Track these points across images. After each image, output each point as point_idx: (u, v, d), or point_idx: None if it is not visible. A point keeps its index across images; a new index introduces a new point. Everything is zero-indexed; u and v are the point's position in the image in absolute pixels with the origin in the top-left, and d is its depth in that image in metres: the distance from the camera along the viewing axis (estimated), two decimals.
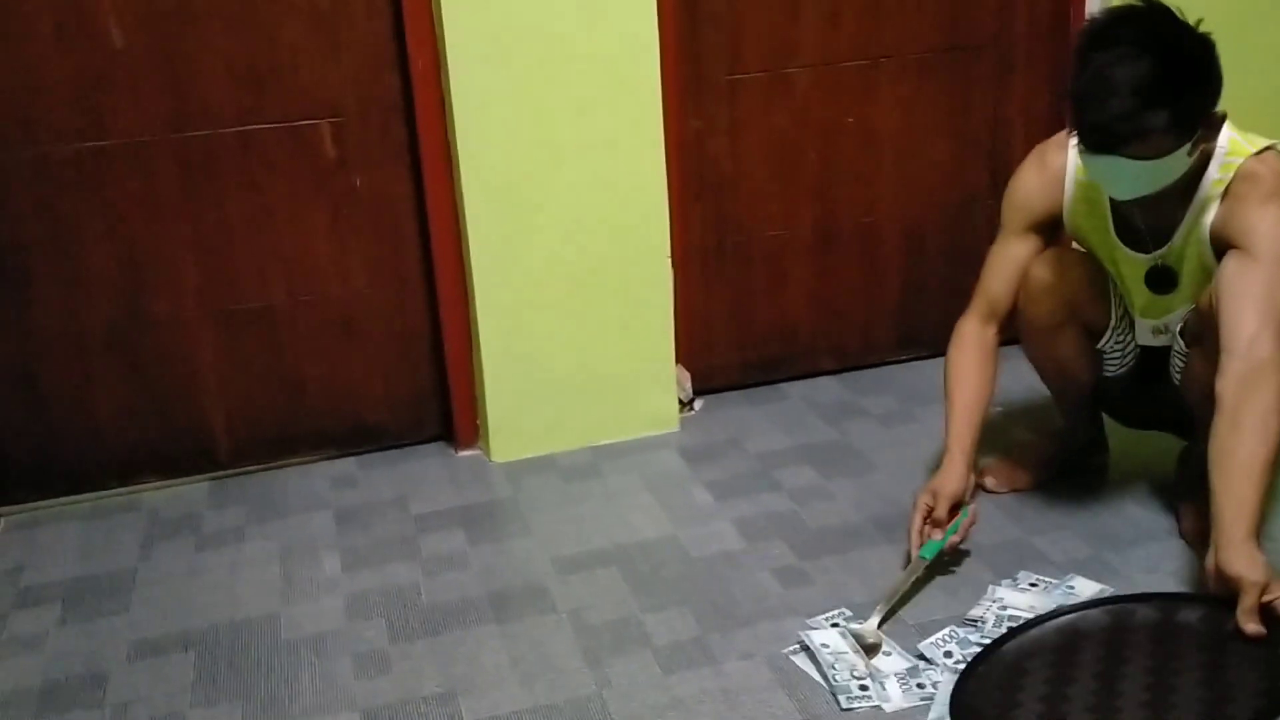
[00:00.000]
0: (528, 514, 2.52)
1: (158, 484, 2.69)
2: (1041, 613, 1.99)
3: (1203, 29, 1.91)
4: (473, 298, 2.62)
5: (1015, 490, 2.46)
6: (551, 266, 2.62)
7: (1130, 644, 1.83)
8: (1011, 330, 2.33)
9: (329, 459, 2.78)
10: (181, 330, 2.61)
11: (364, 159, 2.60)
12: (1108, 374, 2.34)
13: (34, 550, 2.48)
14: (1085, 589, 2.11)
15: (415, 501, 2.59)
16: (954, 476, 2.18)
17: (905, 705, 1.86)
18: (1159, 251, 2.13)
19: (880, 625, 2.02)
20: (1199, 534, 2.10)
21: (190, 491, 2.68)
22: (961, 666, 1.88)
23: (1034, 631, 1.91)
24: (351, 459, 2.79)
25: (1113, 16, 1.94)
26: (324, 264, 2.65)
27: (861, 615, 2.06)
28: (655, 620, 2.12)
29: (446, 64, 2.45)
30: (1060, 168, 2.20)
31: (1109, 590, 2.10)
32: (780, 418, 2.88)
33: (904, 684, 1.90)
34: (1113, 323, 2.26)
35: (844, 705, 1.86)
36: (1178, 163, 1.93)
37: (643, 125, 2.58)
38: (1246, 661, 1.70)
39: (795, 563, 2.27)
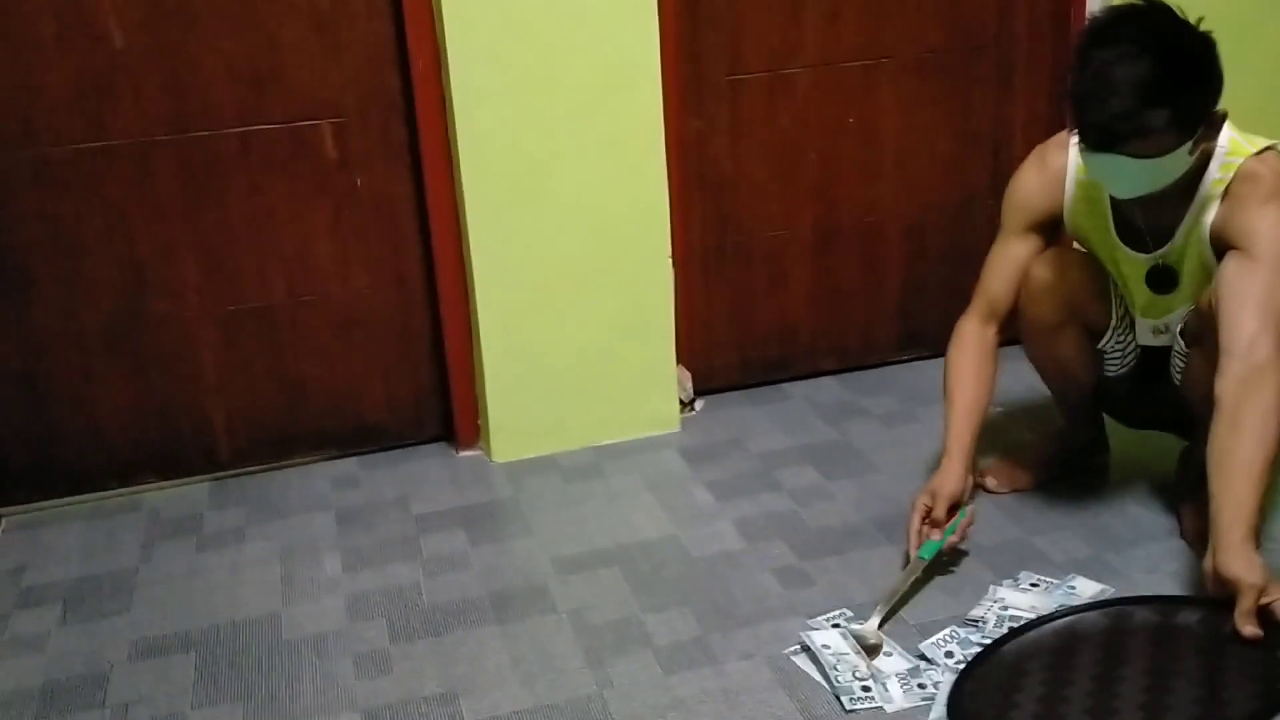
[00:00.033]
0: (529, 514, 2.52)
1: (159, 484, 2.69)
2: (1042, 613, 1.99)
3: (1203, 28, 1.91)
4: (473, 297, 2.62)
5: (1016, 490, 2.46)
6: (552, 266, 2.62)
7: (1128, 646, 1.83)
8: (1012, 330, 2.33)
9: (330, 459, 2.78)
10: (182, 330, 2.61)
11: (365, 159, 2.60)
12: (1108, 374, 2.34)
13: (35, 550, 2.48)
14: (1086, 589, 2.11)
15: (416, 502, 2.59)
16: (952, 477, 2.18)
17: (907, 705, 1.86)
18: (1160, 251, 2.13)
19: (880, 626, 2.02)
20: (1200, 534, 2.09)
21: (191, 492, 2.68)
22: (963, 667, 1.88)
23: (1032, 633, 1.91)
24: (352, 459, 2.79)
25: (1113, 15, 1.94)
26: (325, 264, 2.65)
27: (862, 615, 2.06)
28: (656, 620, 2.12)
29: (447, 64, 2.45)
30: (1061, 167, 2.20)
31: (1110, 590, 2.10)
32: (781, 418, 2.88)
33: (905, 684, 1.90)
34: (1113, 323, 2.26)
35: (847, 707, 1.86)
36: (1178, 161, 1.93)
37: (643, 125, 2.58)
38: (1243, 664, 1.71)
39: (796, 563, 2.28)
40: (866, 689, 1.88)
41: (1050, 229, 2.25)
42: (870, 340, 3.09)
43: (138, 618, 2.23)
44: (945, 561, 2.20)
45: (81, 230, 2.49)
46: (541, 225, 2.59)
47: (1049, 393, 2.48)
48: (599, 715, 1.90)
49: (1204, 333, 2.02)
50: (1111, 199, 2.14)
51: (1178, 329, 2.17)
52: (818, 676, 1.94)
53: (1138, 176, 1.94)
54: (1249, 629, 1.72)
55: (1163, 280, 2.15)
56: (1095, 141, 1.92)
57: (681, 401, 2.87)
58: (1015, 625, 1.96)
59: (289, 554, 2.41)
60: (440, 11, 2.42)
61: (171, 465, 2.69)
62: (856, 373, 3.08)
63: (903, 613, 2.08)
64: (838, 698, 1.88)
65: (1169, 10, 1.91)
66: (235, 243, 2.58)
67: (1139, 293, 2.20)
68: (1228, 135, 2.01)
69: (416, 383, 2.79)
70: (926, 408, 2.78)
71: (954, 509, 2.18)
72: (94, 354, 2.57)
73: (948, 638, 2.00)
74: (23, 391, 2.56)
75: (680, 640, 2.07)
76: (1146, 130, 1.87)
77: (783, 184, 2.90)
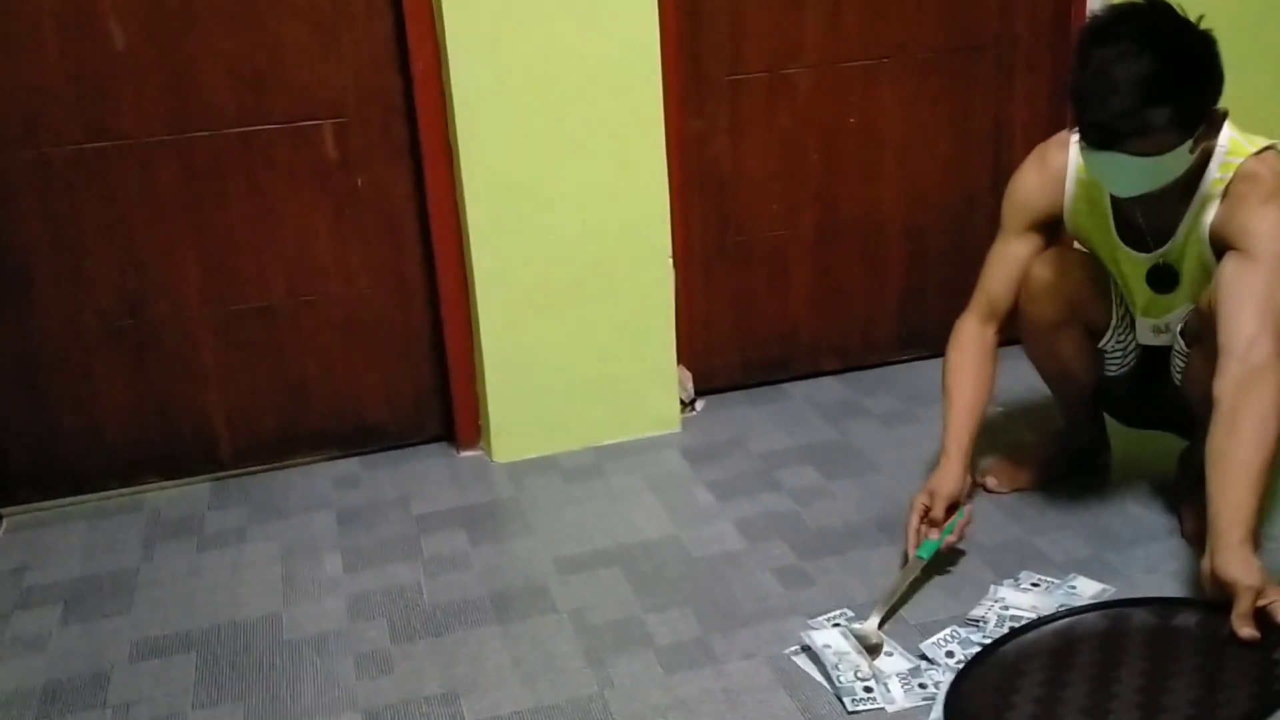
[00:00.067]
0: (529, 514, 2.52)
1: (159, 484, 2.70)
2: (1043, 613, 1.99)
3: (1204, 26, 1.91)
4: (474, 298, 2.62)
5: (1017, 490, 2.46)
6: (553, 266, 2.62)
7: (1127, 647, 1.83)
8: (1012, 330, 2.33)
9: (331, 459, 2.78)
10: (183, 330, 2.61)
11: (365, 159, 2.60)
12: (1109, 374, 2.34)
13: (36, 551, 2.48)
14: (1087, 589, 2.11)
15: (417, 502, 2.59)
16: (951, 476, 2.18)
17: (908, 705, 1.86)
18: (1160, 250, 2.13)
19: (880, 626, 2.02)
20: (1201, 534, 2.08)
21: (192, 492, 2.68)
22: (960, 667, 1.88)
23: (1031, 634, 1.90)
24: (353, 459, 2.79)
25: (1114, 13, 1.94)
26: (325, 264, 2.65)
27: (863, 616, 2.06)
28: (657, 620, 2.12)
29: (447, 64, 2.45)
30: (1061, 167, 2.20)
31: (1111, 590, 2.10)
32: (782, 418, 2.88)
33: (906, 684, 1.90)
34: (1114, 322, 2.26)
35: (850, 708, 1.86)
36: (1179, 160, 1.93)
37: (644, 125, 2.58)
38: (1240, 665, 1.70)
39: (796, 563, 2.28)
40: (869, 689, 1.88)
41: (1050, 228, 2.25)
42: (871, 340, 3.09)
43: (139, 618, 2.23)
44: (944, 561, 2.20)
45: (82, 230, 2.50)
46: (542, 225, 2.59)
47: (1049, 392, 2.48)
48: (600, 715, 1.90)
49: (1204, 332, 2.02)
50: (1112, 198, 2.14)
51: (1178, 328, 2.17)
52: (819, 677, 1.94)
53: (1138, 175, 1.94)
54: (1246, 630, 1.72)
55: (1163, 279, 2.15)
56: (1096, 140, 1.92)
57: (682, 401, 2.87)
58: (1015, 625, 1.96)
59: (290, 554, 2.41)
60: (441, 11, 2.42)
61: (172, 465, 2.69)
62: (857, 372, 3.08)
63: (903, 612, 2.09)
64: (839, 699, 1.88)
65: (1169, 9, 1.92)
66: (236, 243, 2.58)
67: (1139, 292, 2.20)
68: (1228, 134, 2.01)
69: (417, 382, 2.79)
70: (927, 408, 2.78)
71: (952, 508, 2.18)
72: (95, 354, 2.57)
73: (948, 637, 2.00)
74: (23, 391, 2.56)
75: (681, 640, 2.07)
76: (1147, 128, 1.87)
77: (783, 184, 2.90)
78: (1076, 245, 2.34)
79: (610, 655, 2.04)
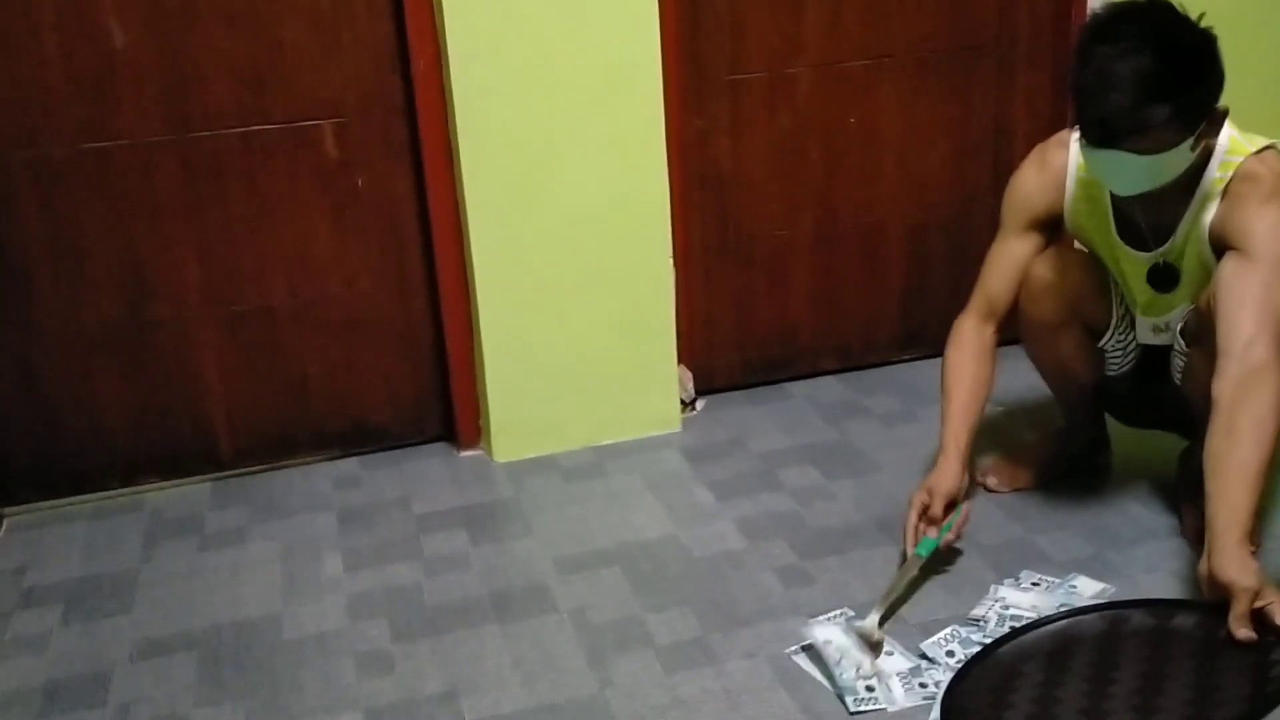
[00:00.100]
0: (530, 514, 2.52)
1: (160, 484, 2.70)
2: (1044, 612, 1.99)
3: (1204, 24, 1.91)
4: (474, 297, 2.62)
5: (1017, 490, 2.46)
6: (553, 266, 2.62)
7: (1124, 649, 1.83)
8: (1012, 330, 2.33)
9: (331, 459, 2.78)
10: (183, 330, 2.61)
11: (366, 159, 2.60)
12: (1109, 373, 2.34)
13: (37, 551, 2.48)
14: (1087, 588, 2.11)
15: (417, 501, 2.59)
16: (949, 474, 2.18)
17: (908, 705, 1.86)
18: (1160, 249, 2.13)
19: (881, 624, 2.02)
20: (1201, 534, 2.09)
21: (193, 492, 2.68)
22: (958, 668, 1.88)
23: (1029, 635, 1.90)
24: (354, 459, 2.79)
25: (1115, 11, 1.94)
26: (326, 264, 2.65)
27: (864, 615, 2.06)
28: (657, 620, 2.12)
29: (448, 64, 2.46)
30: (1061, 166, 2.20)
31: (1111, 589, 2.10)
32: (782, 417, 2.88)
33: (906, 684, 1.90)
34: (1114, 322, 2.26)
35: (852, 708, 1.86)
36: (1179, 158, 1.93)
37: (644, 125, 2.58)
38: (1236, 667, 1.71)
39: (797, 562, 2.28)
40: (870, 688, 1.88)
41: (1050, 228, 2.25)
42: (871, 340, 3.09)
43: (139, 617, 2.23)
44: (946, 561, 2.20)
45: (83, 230, 2.50)
46: (542, 225, 2.59)
47: (1049, 392, 2.48)
48: (600, 714, 1.90)
49: (1203, 332, 2.02)
50: (1112, 197, 2.14)
51: (1178, 328, 2.17)
52: (819, 676, 1.94)
53: (1139, 173, 1.94)
54: (1243, 632, 1.72)
55: (1163, 278, 2.15)
56: (1096, 137, 1.92)
57: (682, 401, 2.87)
58: (1016, 625, 1.96)
59: (290, 554, 2.41)
60: (441, 11, 2.42)
61: (173, 465, 2.69)
62: (857, 372, 3.08)
63: (904, 612, 2.09)
64: (841, 698, 1.88)
65: (1170, 7, 1.92)
66: (236, 243, 2.58)
67: (1140, 291, 2.20)
68: (1227, 133, 2.01)
69: (417, 382, 2.79)
70: (927, 407, 2.77)
71: (951, 506, 2.18)
72: (95, 354, 2.57)
73: (949, 637, 2.00)
74: (24, 391, 2.56)
75: (681, 640, 2.07)
76: (1147, 126, 1.87)
77: (783, 183, 2.90)
78: (1076, 245, 2.34)
79: (611, 655, 2.04)
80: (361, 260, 2.67)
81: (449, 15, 2.41)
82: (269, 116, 2.53)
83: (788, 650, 2.01)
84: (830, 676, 1.91)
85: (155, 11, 2.41)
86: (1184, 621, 1.85)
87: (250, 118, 2.52)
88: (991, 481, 2.46)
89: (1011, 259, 2.26)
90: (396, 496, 2.62)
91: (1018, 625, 1.95)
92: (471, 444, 2.80)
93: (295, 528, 2.51)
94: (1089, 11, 2.81)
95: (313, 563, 2.38)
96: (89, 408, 2.60)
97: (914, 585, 2.12)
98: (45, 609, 2.27)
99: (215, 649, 2.12)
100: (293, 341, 2.68)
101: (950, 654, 1.95)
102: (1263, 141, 2.02)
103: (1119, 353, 2.30)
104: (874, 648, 1.96)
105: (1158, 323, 2.22)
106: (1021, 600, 2.07)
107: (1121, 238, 2.17)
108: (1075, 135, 2.01)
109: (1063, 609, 1.99)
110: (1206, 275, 2.05)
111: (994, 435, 2.65)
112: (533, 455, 2.74)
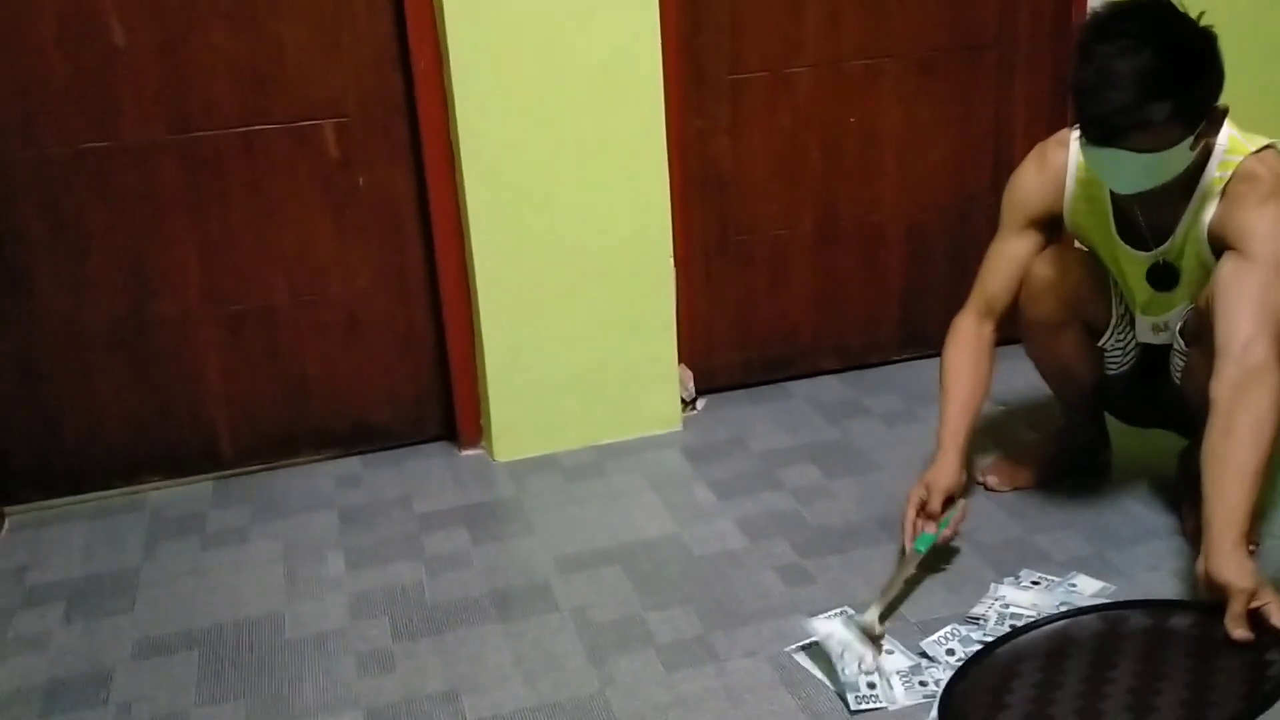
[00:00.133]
0: (531, 513, 2.52)
1: (161, 484, 2.70)
2: (1044, 610, 1.99)
3: (1204, 22, 1.92)
4: (475, 297, 2.62)
5: (1017, 489, 2.46)
6: (554, 266, 2.62)
7: (1121, 649, 1.83)
8: (1011, 329, 2.33)
9: (332, 458, 2.78)
10: (185, 330, 2.61)
11: (367, 159, 2.60)
12: (1109, 372, 2.34)
13: (38, 550, 2.48)
14: (1087, 587, 2.11)
15: (419, 501, 2.59)
16: (947, 470, 2.19)
17: (908, 703, 1.87)
18: (1160, 248, 2.13)
19: (880, 620, 2.02)
20: (1200, 533, 2.10)
21: (194, 491, 2.68)
22: (956, 668, 1.88)
23: (1027, 636, 1.90)
24: (355, 458, 2.79)
25: (1115, 9, 1.94)
26: (327, 264, 2.65)
27: (863, 613, 2.06)
28: (658, 619, 2.13)
29: (448, 63, 2.46)
30: (1061, 165, 2.20)
31: (1111, 588, 2.10)
32: (783, 417, 2.88)
33: (906, 682, 1.90)
34: (1114, 321, 2.26)
35: (853, 707, 1.86)
36: (1179, 156, 1.93)
37: (645, 125, 2.59)
38: (1232, 667, 1.71)
39: (798, 561, 2.28)
40: (872, 685, 1.88)
41: (1050, 227, 2.26)
42: (871, 339, 3.10)
43: (141, 617, 2.23)
44: (946, 559, 2.20)
45: (83, 230, 2.50)
46: (543, 225, 2.59)
47: (1049, 391, 2.48)
48: (601, 713, 1.90)
49: (1203, 331, 2.02)
50: (1112, 196, 2.14)
51: (1177, 327, 2.17)
52: (820, 674, 1.94)
53: (1139, 171, 1.94)
54: (1239, 632, 1.72)
55: (1163, 277, 2.15)
56: (1096, 135, 1.92)
57: (683, 400, 2.87)
58: (1015, 624, 1.96)
59: (292, 553, 2.41)
60: (441, 11, 2.42)
61: (174, 464, 2.70)
62: (858, 371, 3.08)
63: (904, 610, 2.09)
64: (842, 696, 1.88)
65: (1170, 5, 1.92)
66: (237, 242, 2.59)
67: (1139, 290, 2.20)
68: (1227, 133, 2.01)
69: (418, 382, 2.79)
70: (928, 407, 2.77)
71: (948, 502, 2.18)
72: (96, 353, 2.58)
73: (949, 635, 2.00)
74: (25, 391, 2.56)
75: (682, 638, 2.07)
76: (1147, 124, 1.87)
77: (784, 183, 2.90)
78: (1076, 244, 2.34)
79: (612, 653, 2.04)
80: (362, 259, 2.67)
81: (449, 14, 2.41)
82: (269, 116, 2.53)
83: (788, 649, 2.01)
84: (832, 671, 1.91)
85: (156, 11, 2.41)
86: (1181, 622, 1.85)
87: (251, 117, 2.52)
88: (992, 480, 2.46)
89: (1011, 258, 2.26)
90: (397, 496, 2.62)
91: (1018, 624, 1.96)
92: (472, 443, 2.80)
93: (296, 527, 2.51)
94: (1089, 10, 2.83)
95: (314, 562, 2.38)
96: (90, 407, 2.60)
97: (914, 583, 2.13)
98: (47, 608, 2.27)
99: (216, 648, 2.12)
100: (294, 341, 2.68)
101: (950, 652, 1.96)
102: (1262, 141, 2.03)
103: (1119, 352, 2.30)
104: (875, 643, 1.96)
105: (1157, 322, 2.22)
106: (1021, 599, 2.07)
107: (1121, 237, 2.18)
108: (1075, 134, 2.01)
109: (1063, 607, 2.00)
110: (1206, 274, 2.05)
111: (994, 434, 2.65)
112: (533, 454, 2.74)
